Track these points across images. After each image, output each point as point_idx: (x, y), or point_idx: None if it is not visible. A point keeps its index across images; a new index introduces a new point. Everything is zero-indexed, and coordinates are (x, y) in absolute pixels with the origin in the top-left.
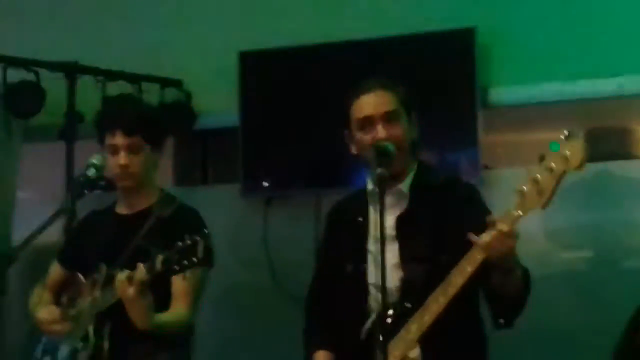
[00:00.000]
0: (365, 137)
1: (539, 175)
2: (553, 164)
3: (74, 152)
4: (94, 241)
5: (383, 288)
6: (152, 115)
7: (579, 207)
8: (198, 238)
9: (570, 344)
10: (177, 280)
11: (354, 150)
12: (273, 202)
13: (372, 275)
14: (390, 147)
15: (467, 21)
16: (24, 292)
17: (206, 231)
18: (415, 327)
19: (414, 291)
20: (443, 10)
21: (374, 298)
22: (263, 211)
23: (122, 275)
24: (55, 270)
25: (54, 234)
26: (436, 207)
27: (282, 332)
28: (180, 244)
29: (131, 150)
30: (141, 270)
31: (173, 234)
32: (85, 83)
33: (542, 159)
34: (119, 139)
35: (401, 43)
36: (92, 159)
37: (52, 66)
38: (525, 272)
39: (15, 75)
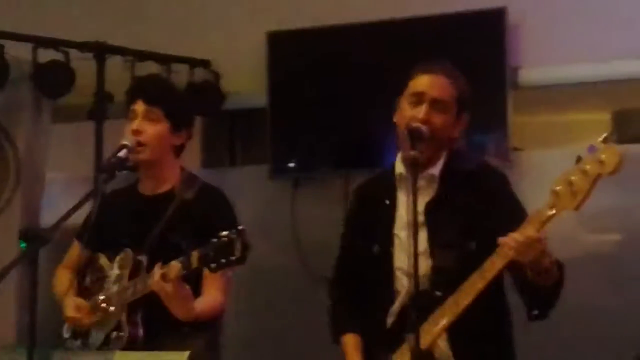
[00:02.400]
0: (408, 112)
1: (573, 177)
2: (588, 167)
3: (103, 132)
4: (117, 222)
5: (415, 274)
6: (176, 93)
7: (607, 190)
8: (234, 235)
9: (598, 327)
10: (210, 273)
11: (395, 118)
12: (301, 183)
13: (399, 260)
14: (425, 129)
15: (497, 1)
16: (51, 271)
17: (241, 227)
18: (446, 315)
19: (444, 279)
20: None
21: (400, 282)
22: (291, 192)
23: (156, 274)
24: (76, 251)
25: (83, 214)
26: (466, 194)
27: (311, 313)
28: (215, 240)
29: (148, 118)
30: (175, 267)
31: (198, 216)
32: (114, 63)
33: (578, 160)
34: (139, 106)
35: (431, 23)
36: (123, 139)
37: (82, 46)
38: (560, 266)
39: (45, 55)
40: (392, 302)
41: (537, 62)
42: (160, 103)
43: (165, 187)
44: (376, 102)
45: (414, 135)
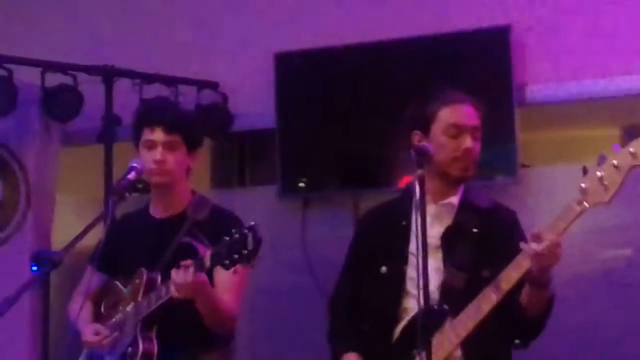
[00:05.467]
0: (452, 144)
1: (601, 173)
2: (618, 161)
3: (112, 154)
4: (131, 246)
5: (425, 288)
6: (191, 118)
7: (617, 206)
8: (246, 231)
9: (610, 342)
10: (223, 273)
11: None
12: (310, 203)
13: (412, 278)
14: (430, 148)
15: (502, 19)
16: (63, 293)
17: (253, 223)
18: (459, 330)
19: (453, 295)
20: (478, 9)
21: (410, 300)
22: (301, 212)
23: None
24: (93, 277)
25: (93, 236)
26: (482, 226)
27: (321, 331)
28: (227, 238)
29: (169, 147)
30: (189, 271)
31: (212, 235)
32: (122, 86)
33: (585, 171)
34: (158, 135)
35: (437, 42)
36: (133, 162)
37: (90, 70)
38: (552, 296)
39: (53, 79)
40: (397, 320)
41: (544, 79)
42: (180, 131)
43: (177, 210)
44: (385, 122)
45: (420, 154)
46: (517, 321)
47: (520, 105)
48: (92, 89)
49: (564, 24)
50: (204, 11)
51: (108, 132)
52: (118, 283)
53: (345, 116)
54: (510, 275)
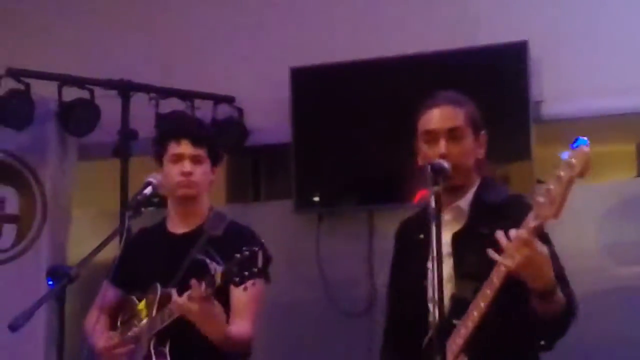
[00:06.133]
0: (429, 151)
1: (551, 186)
2: (562, 173)
3: (128, 169)
4: (148, 261)
5: (440, 304)
6: (214, 133)
7: (633, 222)
8: (256, 248)
9: (625, 358)
10: (238, 292)
11: (419, 161)
12: (325, 218)
13: (430, 292)
14: (446, 164)
15: (519, 35)
16: (78, 308)
17: (263, 241)
18: (457, 338)
19: (463, 308)
20: (495, 24)
21: (432, 314)
22: (315, 228)
23: (181, 299)
24: (109, 292)
25: (109, 251)
26: (494, 226)
27: (336, 348)
28: (238, 256)
29: (195, 160)
30: (197, 287)
31: (228, 251)
32: (138, 100)
33: (555, 168)
34: (185, 148)
35: (453, 57)
36: (149, 177)
37: (106, 84)
38: (570, 296)
39: (70, 93)
40: (426, 335)
41: (560, 95)
42: (205, 144)
43: (194, 225)
44: (400, 138)
45: (437, 172)
46: (535, 323)
47: (536, 121)
48: (108, 103)
49: (580, 40)
50: (220, 27)
51: (124, 146)
52: (134, 298)
53: (361, 131)
54: (492, 282)
